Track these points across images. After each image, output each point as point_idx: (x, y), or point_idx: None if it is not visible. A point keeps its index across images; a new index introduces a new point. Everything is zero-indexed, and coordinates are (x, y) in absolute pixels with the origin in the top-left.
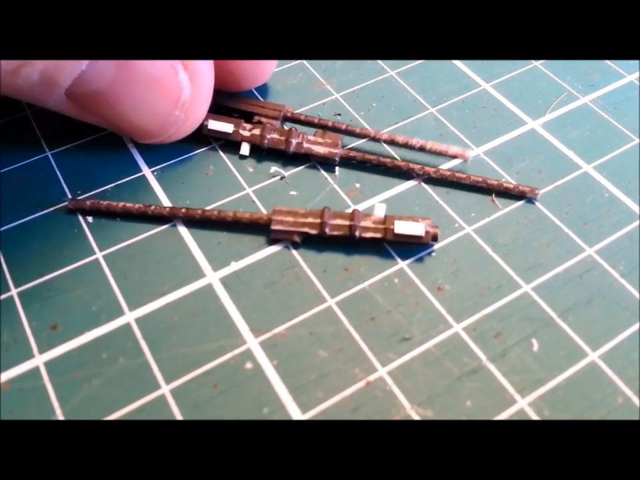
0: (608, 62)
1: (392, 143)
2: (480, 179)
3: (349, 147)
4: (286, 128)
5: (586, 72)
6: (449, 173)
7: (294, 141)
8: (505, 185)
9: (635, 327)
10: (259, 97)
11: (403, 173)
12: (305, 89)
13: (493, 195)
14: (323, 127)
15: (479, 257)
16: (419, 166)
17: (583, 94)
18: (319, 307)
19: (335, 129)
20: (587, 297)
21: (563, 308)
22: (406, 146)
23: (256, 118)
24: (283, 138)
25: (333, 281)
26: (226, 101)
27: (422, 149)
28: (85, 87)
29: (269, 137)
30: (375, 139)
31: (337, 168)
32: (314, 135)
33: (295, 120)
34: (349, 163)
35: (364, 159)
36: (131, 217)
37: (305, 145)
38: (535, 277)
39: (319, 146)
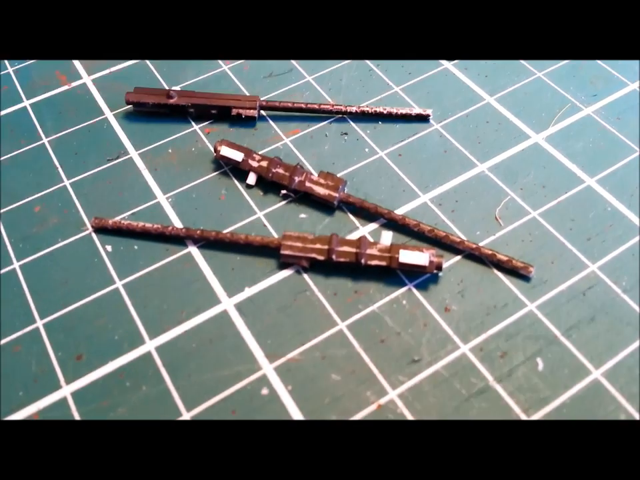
0: (611, 70)
1: (363, 114)
2: (474, 246)
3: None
4: (292, 164)
5: (590, 81)
6: (444, 234)
7: (296, 179)
8: (497, 256)
9: (636, 344)
10: (245, 92)
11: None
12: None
13: (497, 211)
14: (297, 110)
15: (485, 276)
16: (414, 221)
17: (587, 104)
18: (331, 331)
19: (309, 110)
20: (590, 314)
21: (567, 325)
22: (376, 114)
23: (234, 111)
24: (287, 174)
25: (344, 303)
26: (204, 100)
27: (389, 116)
28: None
29: (274, 170)
30: (346, 113)
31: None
32: (318, 175)
33: (271, 107)
34: (349, 205)
35: (362, 205)
36: (149, 237)
37: (307, 183)
38: (539, 295)
39: (319, 187)
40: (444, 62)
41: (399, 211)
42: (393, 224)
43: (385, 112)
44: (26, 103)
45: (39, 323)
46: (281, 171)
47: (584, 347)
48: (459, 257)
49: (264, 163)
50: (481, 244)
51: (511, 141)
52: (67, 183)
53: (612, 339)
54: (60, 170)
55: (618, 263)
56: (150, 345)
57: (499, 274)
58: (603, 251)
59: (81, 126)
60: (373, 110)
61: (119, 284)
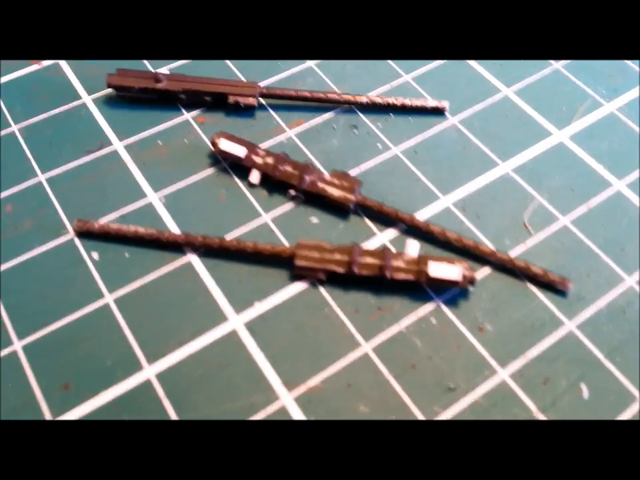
0: (628, 63)
1: (374, 105)
2: (506, 258)
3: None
4: (301, 162)
5: (608, 74)
6: (473, 243)
7: (307, 178)
8: (532, 269)
9: None
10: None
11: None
12: None
13: (526, 217)
14: (301, 99)
15: (518, 291)
16: (439, 229)
17: (608, 99)
18: (355, 354)
19: (315, 99)
20: (632, 334)
21: (609, 347)
22: (388, 106)
23: (231, 99)
24: (296, 172)
25: (367, 322)
26: (197, 85)
27: (402, 108)
28: None
29: (281, 168)
30: (355, 103)
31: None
32: (330, 175)
33: (272, 95)
34: (365, 210)
35: (381, 210)
36: (143, 243)
37: (319, 184)
38: (577, 312)
39: (333, 188)
40: None
41: (419, 216)
42: (415, 231)
43: (397, 104)
44: None
45: (17, 346)
46: (289, 169)
47: (629, 371)
48: (489, 269)
49: (269, 160)
50: (511, 254)
51: (533, 138)
52: (42, 178)
53: None
54: (33, 163)
55: None
56: (149, 372)
57: (534, 288)
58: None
59: (55, 112)
60: (384, 101)
61: (108, 298)
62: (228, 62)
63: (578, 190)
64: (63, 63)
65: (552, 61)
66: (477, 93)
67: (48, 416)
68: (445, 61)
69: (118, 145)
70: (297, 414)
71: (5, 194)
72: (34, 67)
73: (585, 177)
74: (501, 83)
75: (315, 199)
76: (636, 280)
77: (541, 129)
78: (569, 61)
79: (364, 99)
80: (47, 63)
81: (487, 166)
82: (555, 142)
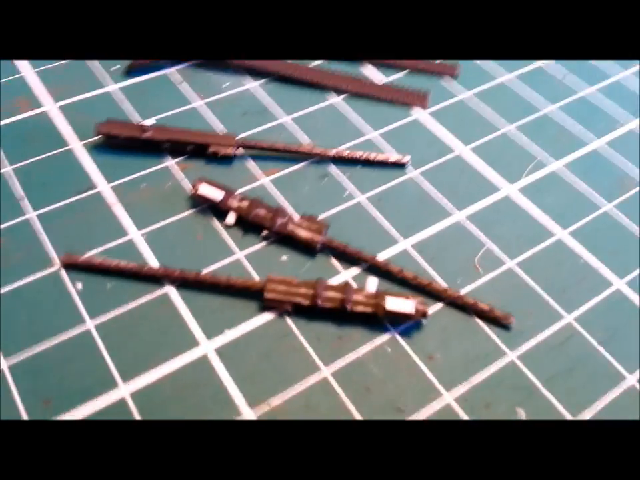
0: (571, 130)
1: (341, 158)
2: (456, 295)
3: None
4: (274, 206)
5: (554, 136)
6: (427, 282)
7: (279, 221)
8: (479, 305)
9: (613, 394)
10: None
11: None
12: None
13: (476, 260)
14: (275, 150)
15: (467, 325)
16: (397, 268)
17: (554, 159)
18: (315, 378)
19: (288, 151)
20: (568, 366)
21: (546, 376)
22: (352, 159)
23: (211, 149)
24: (269, 215)
25: (327, 349)
26: (180, 135)
27: (367, 161)
28: None
29: (255, 211)
30: (325, 156)
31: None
32: (300, 218)
33: (248, 146)
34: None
35: (345, 250)
36: (124, 276)
37: (289, 227)
38: (519, 345)
39: (302, 230)
40: (416, 113)
41: (380, 257)
42: (375, 269)
43: (362, 157)
44: None
45: (4, 365)
46: (262, 212)
47: (564, 397)
48: (441, 305)
49: (244, 204)
50: (462, 291)
51: (485, 191)
52: (31, 215)
53: (590, 389)
54: (24, 201)
55: (593, 314)
56: (124, 391)
57: (480, 323)
58: (578, 303)
59: (46, 155)
60: (351, 155)
61: (90, 325)
62: (211, 117)
63: (524, 237)
64: (55, 110)
65: (506, 125)
66: (435, 151)
67: None
68: (407, 121)
69: (104, 188)
70: None
71: None
72: (27, 113)
73: (530, 226)
74: (458, 142)
75: (286, 240)
76: (574, 317)
77: (491, 184)
78: (519, 124)
79: (333, 152)
80: (39, 110)
81: (442, 214)
82: (504, 195)
